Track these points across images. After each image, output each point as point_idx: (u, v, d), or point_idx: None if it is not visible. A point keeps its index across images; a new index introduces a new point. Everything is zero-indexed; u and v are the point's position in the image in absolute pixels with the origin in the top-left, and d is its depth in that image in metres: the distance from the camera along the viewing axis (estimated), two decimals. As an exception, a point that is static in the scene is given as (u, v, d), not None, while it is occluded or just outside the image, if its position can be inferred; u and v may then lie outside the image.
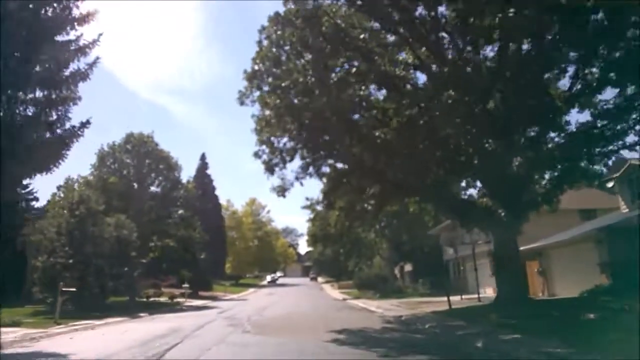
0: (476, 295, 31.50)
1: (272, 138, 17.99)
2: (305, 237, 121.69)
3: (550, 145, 18.40)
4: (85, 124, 15.86)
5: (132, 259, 30.31)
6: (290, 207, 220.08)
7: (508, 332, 13.85)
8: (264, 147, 18.39)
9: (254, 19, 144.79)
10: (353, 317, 22.50)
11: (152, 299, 41.39)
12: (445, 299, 34.78)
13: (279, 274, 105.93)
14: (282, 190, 20.03)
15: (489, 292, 34.70)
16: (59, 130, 16.57)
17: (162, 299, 41.34)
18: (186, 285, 41.93)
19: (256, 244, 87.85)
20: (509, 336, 13.22)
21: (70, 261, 28.01)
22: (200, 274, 50.86)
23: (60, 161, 16.68)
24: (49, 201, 31.72)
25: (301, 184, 19.74)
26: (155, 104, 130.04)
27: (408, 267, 55.02)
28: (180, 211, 37.49)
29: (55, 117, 17.02)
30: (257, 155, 18.86)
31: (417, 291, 45.15)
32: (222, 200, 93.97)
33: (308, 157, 18.72)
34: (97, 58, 17.83)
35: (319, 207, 52.65)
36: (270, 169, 18.62)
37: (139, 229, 34.45)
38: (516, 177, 18.97)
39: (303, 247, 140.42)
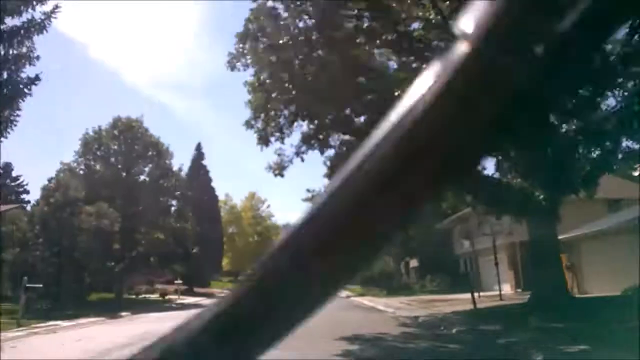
0: (493, 293, 28.35)
1: (268, 105, 14.68)
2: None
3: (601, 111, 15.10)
4: (34, 80, 12.60)
5: (115, 252, 27.09)
6: (291, 202, 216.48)
7: (567, 341, 10.65)
8: (258, 115, 15.04)
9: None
10: (362, 319, 19.32)
11: (142, 296, 38.27)
12: (460, 296, 31.63)
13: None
14: (279, 169, 16.76)
15: (506, 289, 31.62)
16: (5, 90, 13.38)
17: (153, 297, 38.21)
18: (179, 281, 38.79)
19: (256, 240, 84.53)
20: (574, 347, 10.01)
21: (46, 254, 24.84)
22: (195, 270, 47.70)
23: (11, 125, 13.51)
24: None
25: (302, 159, 16.49)
26: (155, 101, 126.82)
27: (414, 263, 51.76)
28: (172, 201, 34.24)
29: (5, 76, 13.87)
30: (249, 125, 15.57)
31: (424, 288, 41.94)
32: (221, 195, 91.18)
33: (310, 126, 15.41)
34: (56, 7, 14.49)
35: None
36: (264, 139, 15.30)
37: (126, 220, 31.30)
38: (559, 152, 15.73)
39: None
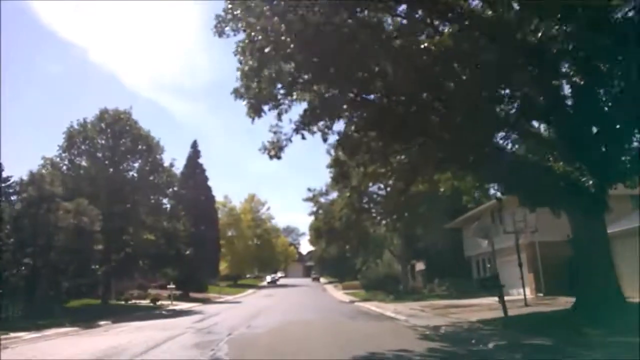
0: (514, 297, 25.47)
1: (262, 68, 11.82)
2: (307, 236, 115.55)
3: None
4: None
5: (99, 254, 24.23)
6: (292, 205, 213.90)
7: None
8: (249, 82, 12.13)
9: None
10: (374, 329, 16.43)
11: (133, 302, 35.34)
12: (477, 302, 28.76)
13: (279, 274, 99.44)
14: (275, 149, 13.90)
15: (527, 293, 28.72)
16: None
17: (145, 302, 35.27)
18: (172, 286, 35.84)
19: (255, 243, 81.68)
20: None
21: (17, 256, 21.98)
22: (191, 273, 44.71)
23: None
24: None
25: (303, 136, 13.61)
26: (156, 103, 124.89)
27: (420, 266, 48.82)
28: (163, 199, 31.40)
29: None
30: (238, 93, 12.67)
31: (432, 293, 39.04)
32: (219, 196, 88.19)
33: (314, 94, 12.48)
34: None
35: (323, 199, 46.44)
36: (256, 108, 12.37)
37: (112, 218, 28.43)
38: (611, 132, 12.88)
39: (305, 247, 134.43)
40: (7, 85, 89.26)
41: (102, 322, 21.22)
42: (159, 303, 34.83)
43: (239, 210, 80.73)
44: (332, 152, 19.71)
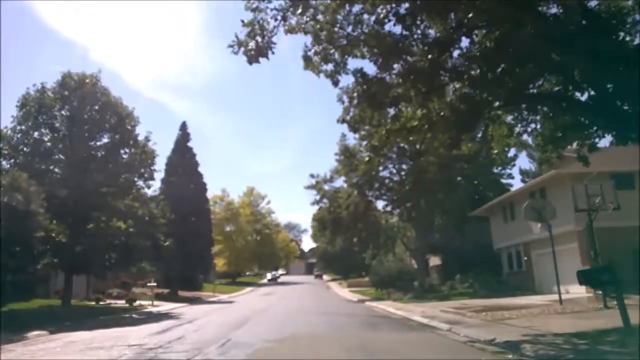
0: (569, 296, 19.81)
1: None
2: (309, 231, 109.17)
3: None
4: None
5: (38, 242, 18.42)
6: (293, 205, 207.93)
7: None
8: None
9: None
10: (412, 345, 10.62)
11: (107, 302, 29.57)
12: (518, 301, 23.08)
13: (280, 271, 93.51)
14: (258, 46, 8.19)
15: (574, 291, 22.97)
16: None
17: (121, 303, 29.49)
18: (152, 283, 30.08)
19: (255, 238, 75.79)
20: None
21: None
22: (182, 270, 38.94)
23: None
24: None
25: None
26: (157, 102, 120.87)
27: (434, 261, 42.97)
28: (138, 180, 25.48)
29: None
30: None
31: (454, 290, 33.26)
32: (217, 190, 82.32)
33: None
34: None
35: (327, 187, 40.48)
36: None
37: (72, 202, 22.67)
38: None
39: (307, 244, 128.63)
40: (8, 84, 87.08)
41: (35, 332, 15.40)
42: (137, 304, 29.03)
43: (237, 204, 74.91)
44: (345, 99, 13.89)
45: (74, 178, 23.48)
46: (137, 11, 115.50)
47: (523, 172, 43.58)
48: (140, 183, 25.96)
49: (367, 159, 16.50)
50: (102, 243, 22.73)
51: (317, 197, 38.64)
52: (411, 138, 15.04)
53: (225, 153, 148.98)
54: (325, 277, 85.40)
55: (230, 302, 34.63)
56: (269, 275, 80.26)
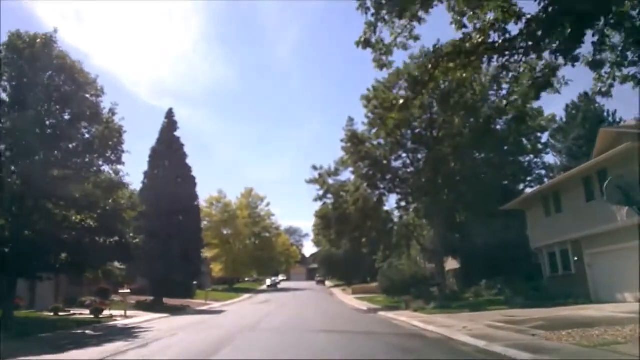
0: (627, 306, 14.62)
1: None
2: (311, 234, 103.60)
3: None
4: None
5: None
6: (294, 212, 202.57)
7: None
8: None
9: (256, 21, 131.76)
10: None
11: (69, 313, 24.33)
12: (573, 312, 17.92)
13: (281, 277, 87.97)
14: None
15: (630, 299, 17.95)
16: None
17: (86, 314, 24.23)
18: (126, 290, 24.89)
19: (253, 242, 70.42)
20: None
21: None
22: (165, 274, 33.70)
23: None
24: None
25: None
26: (158, 108, 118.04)
27: (452, 264, 37.66)
28: (100, 162, 20.21)
29: None
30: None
31: (480, 297, 28.01)
32: (213, 190, 77.04)
33: None
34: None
35: (332, 180, 35.08)
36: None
37: (15, 187, 17.56)
38: None
39: (308, 250, 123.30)
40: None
41: None
42: (106, 314, 23.79)
43: (235, 206, 69.61)
44: (370, 4, 8.75)
45: (19, 158, 18.35)
46: (137, 18, 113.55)
47: (548, 167, 38.33)
48: (106, 168, 20.75)
49: (401, 101, 11.24)
50: (49, 239, 17.47)
51: (320, 193, 33.42)
52: (464, 74, 9.74)
53: (226, 159, 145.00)
54: (327, 283, 79.85)
55: (220, 311, 29.33)
56: (268, 281, 74.77)
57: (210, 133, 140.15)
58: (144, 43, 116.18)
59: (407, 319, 19.34)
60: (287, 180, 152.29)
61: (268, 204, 72.79)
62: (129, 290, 26.66)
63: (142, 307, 31.30)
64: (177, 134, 35.67)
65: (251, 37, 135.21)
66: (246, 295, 53.81)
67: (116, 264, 27.79)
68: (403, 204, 30.23)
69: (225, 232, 68.16)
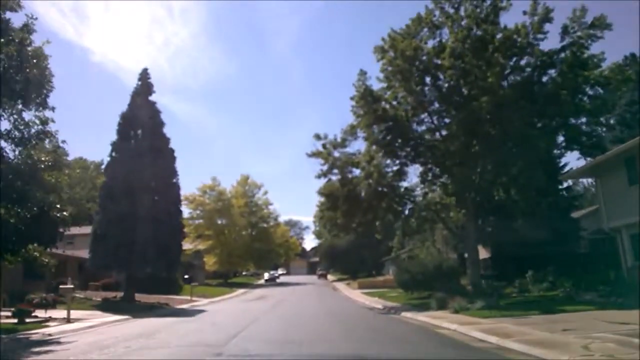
0: None
1: None
2: (312, 225, 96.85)
3: None
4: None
5: None
6: (295, 206, 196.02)
7: None
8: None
9: (256, 17, 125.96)
10: None
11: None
12: None
13: (280, 271, 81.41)
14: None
15: None
16: None
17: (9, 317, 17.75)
18: (68, 285, 18.51)
19: (250, 233, 63.94)
20: None
21: None
22: (139, 266, 27.30)
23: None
24: None
25: None
26: (158, 104, 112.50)
27: (481, 253, 31.17)
28: (17, 104, 13.67)
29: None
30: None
31: (526, 292, 21.65)
32: (205, 179, 70.89)
33: None
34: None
35: (337, 153, 28.09)
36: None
37: None
38: None
39: (309, 243, 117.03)
40: None
41: None
42: (40, 317, 17.34)
43: (230, 194, 63.11)
44: None
45: None
46: (136, 13, 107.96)
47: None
48: (28, 115, 14.20)
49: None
50: None
51: (324, 168, 26.82)
52: None
53: (226, 154, 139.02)
54: (330, 276, 73.45)
55: (200, 311, 22.90)
56: (266, 275, 68.23)
57: (210, 128, 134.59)
58: (143, 38, 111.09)
59: (457, 325, 12.89)
60: (286, 175, 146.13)
61: (265, 193, 66.36)
62: (72, 286, 20.24)
63: (106, 306, 24.93)
64: (153, 98, 29.07)
65: (250, 32, 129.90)
66: (240, 291, 47.43)
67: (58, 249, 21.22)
68: (429, 176, 23.67)
69: (219, 222, 61.65)
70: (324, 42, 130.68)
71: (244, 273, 78.94)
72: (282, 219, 78.08)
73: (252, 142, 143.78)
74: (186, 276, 52.60)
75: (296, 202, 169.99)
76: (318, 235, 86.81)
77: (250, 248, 62.81)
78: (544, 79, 22.65)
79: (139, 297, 29.78)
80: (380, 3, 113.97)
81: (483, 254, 30.94)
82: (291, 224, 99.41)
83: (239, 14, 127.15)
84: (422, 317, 16.73)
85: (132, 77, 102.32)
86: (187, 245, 63.33)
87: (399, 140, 22.58)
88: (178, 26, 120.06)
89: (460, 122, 21.93)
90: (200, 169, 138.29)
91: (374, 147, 23.51)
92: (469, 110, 21.34)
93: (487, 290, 22.66)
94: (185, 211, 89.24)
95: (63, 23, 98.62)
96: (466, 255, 30.39)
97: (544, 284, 21.90)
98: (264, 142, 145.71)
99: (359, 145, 26.81)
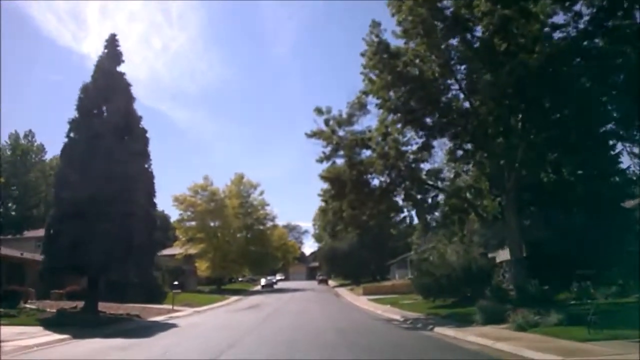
0: None
1: None
2: (311, 229, 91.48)
3: None
4: None
5: None
6: (294, 211, 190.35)
7: None
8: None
9: (254, 21, 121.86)
10: None
11: None
12: None
13: (278, 276, 75.73)
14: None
15: None
16: None
17: None
18: None
19: (245, 235, 58.57)
20: None
21: None
22: (103, 270, 22.08)
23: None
24: None
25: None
26: (156, 110, 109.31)
27: (502, 255, 26.04)
28: None
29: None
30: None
31: (586, 297, 16.48)
32: (197, 177, 65.71)
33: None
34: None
35: (342, 132, 22.05)
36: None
37: None
38: None
39: (308, 248, 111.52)
40: (7, 93, 76.53)
41: None
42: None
43: (223, 194, 57.86)
44: None
45: None
46: (134, 18, 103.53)
47: None
48: None
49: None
50: None
51: (328, 150, 21.64)
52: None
53: (225, 159, 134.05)
54: (331, 282, 67.98)
55: (173, 326, 17.68)
56: (263, 281, 62.67)
57: (207, 133, 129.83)
58: (141, 43, 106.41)
59: (554, 357, 7.75)
60: (285, 180, 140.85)
61: (262, 193, 60.98)
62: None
63: (57, 319, 19.59)
64: (121, 69, 23.93)
65: (248, 36, 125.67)
66: (233, 298, 42.06)
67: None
68: (459, 154, 18.50)
69: (212, 225, 56.32)
70: (322, 46, 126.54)
71: (240, 279, 73.45)
72: (280, 222, 72.86)
73: (251, 146, 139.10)
74: (176, 282, 47.34)
75: (295, 208, 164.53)
76: (318, 238, 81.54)
77: (245, 251, 57.39)
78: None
79: (106, 307, 24.52)
80: (379, 3, 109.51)
81: (503, 256, 25.77)
82: (290, 227, 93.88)
83: (236, 18, 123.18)
84: (472, 336, 11.56)
85: (130, 82, 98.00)
86: (177, 250, 58.46)
87: (427, 108, 17.42)
88: (176, 31, 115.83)
89: (496, 86, 16.81)
90: (199, 174, 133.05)
91: (390, 117, 18.40)
92: (514, 65, 16.25)
93: (537, 296, 17.54)
94: (175, 213, 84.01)
95: (60, 29, 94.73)
96: (490, 255, 25.33)
97: (613, 288, 16.77)
98: (263, 146, 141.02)
99: (369, 122, 21.82)
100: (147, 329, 16.26)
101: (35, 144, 59.31)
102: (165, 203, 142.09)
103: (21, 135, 58.15)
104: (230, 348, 10.42)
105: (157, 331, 15.27)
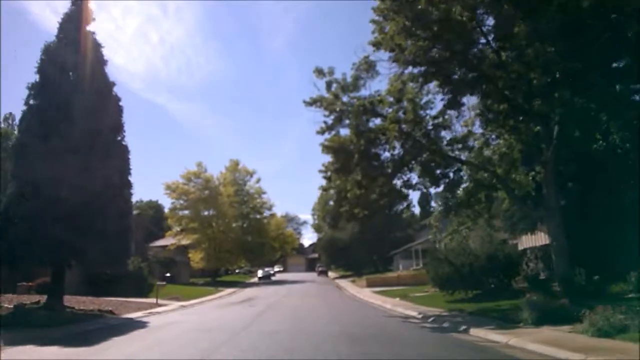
0: None
1: None
2: (311, 218, 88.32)
3: None
4: None
5: None
6: (293, 205, 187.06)
7: None
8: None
9: (251, 14, 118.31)
10: None
11: None
12: None
13: (276, 268, 72.53)
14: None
15: None
16: None
17: None
18: None
19: (241, 225, 55.24)
20: None
21: None
22: (67, 257, 18.75)
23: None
24: None
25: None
26: (154, 103, 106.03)
27: (528, 241, 22.80)
28: None
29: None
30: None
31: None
32: (191, 165, 62.35)
33: None
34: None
35: (346, 98, 18.58)
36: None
37: None
38: None
39: (307, 239, 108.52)
40: (7, 90, 73.31)
41: None
42: None
43: (218, 182, 54.47)
44: None
45: None
46: (131, 12, 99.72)
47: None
48: None
49: None
50: None
51: (330, 120, 18.22)
52: None
53: (223, 152, 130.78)
54: (331, 273, 64.83)
55: (142, 325, 14.42)
56: (260, 273, 59.41)
57: (204, 126, 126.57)
58: (138, 37, 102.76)
59: None
60: (283, 173, 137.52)
61: (258, 180, 57.61)
62: None
63: (12, 318, 16.35)
64: (91, 28, 20.42)
65: (245, 30, 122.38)
66: (227, 291, 38.81)
67: None
68: (490, 115, 15.08)
69: (206, 214, 53.03)
70: (319, 40, 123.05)
71: (237, 271, 70.26)
72: (279, 213, 69.61)
73: (248, 140, 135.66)
74: (168, 274, 44.16)
75: (294, 201, 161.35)
76: (317, 229, 78.26)
77: (241, 242, 54.16)
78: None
79: (78, 301, 21.30)
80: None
81: (537, 240, 22.52)
82: (288, 218, 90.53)
83: (233, 12, 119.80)
84: (534, 343, 8.29)
85: (127, 76, 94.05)
86: (170, 240, 55.24)
87: (450, 58, 13.98)
88: (173, 24, 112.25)
89: (536, 33, 13.35)
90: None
91: (407, 70, 15.00)
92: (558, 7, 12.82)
93: (587, 288, 14.30)
94: (167, 201, 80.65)
95: (57, 24, 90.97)
96: (522, 239, 22.07)
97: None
98: (260, 140, 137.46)
99: (378, 86, 18.38)
100: (107, 331, 12.92)
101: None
102: (160, 194, 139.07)
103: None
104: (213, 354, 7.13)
105: (116, 334, 11.91)
